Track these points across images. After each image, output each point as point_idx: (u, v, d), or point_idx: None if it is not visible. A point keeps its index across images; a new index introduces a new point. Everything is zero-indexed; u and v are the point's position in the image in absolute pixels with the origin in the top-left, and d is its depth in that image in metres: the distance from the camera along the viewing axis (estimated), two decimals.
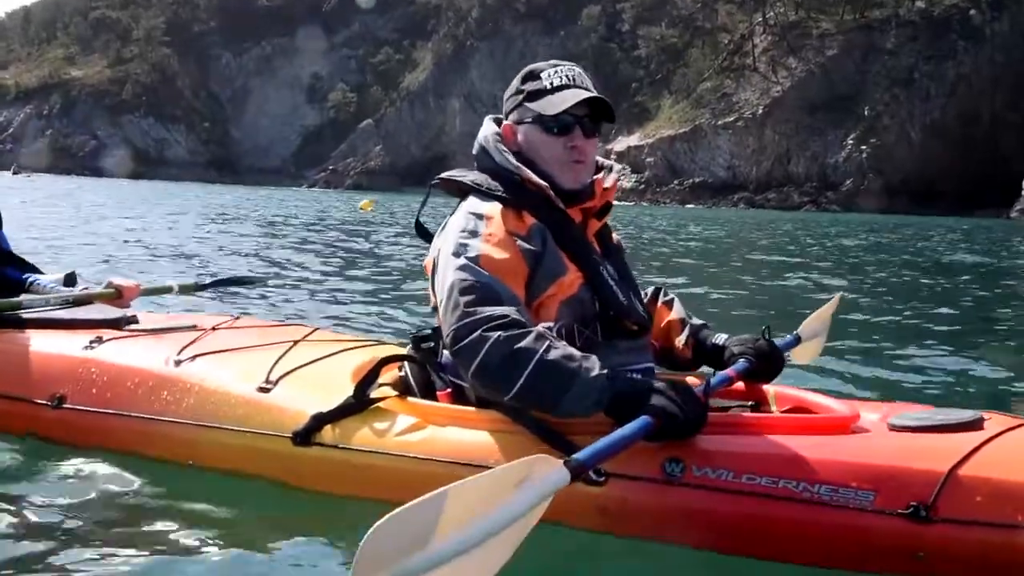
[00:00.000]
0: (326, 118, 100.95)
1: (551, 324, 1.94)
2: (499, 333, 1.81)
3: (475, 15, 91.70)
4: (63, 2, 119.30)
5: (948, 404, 2.52)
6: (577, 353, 1.83)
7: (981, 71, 62.85)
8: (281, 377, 2.25)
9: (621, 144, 66.87)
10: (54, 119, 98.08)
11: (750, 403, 2.19)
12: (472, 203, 2.03)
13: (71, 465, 2.37)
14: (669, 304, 2.33)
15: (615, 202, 2.20)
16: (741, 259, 13.40)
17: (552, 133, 2.03)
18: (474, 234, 1.96)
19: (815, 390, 2.28)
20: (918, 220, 39.23)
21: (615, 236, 2.23)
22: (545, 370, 1.78)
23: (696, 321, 2.31)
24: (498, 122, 2.15)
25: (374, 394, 2.11)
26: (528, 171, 2.03)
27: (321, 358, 2.38)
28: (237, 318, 3.02)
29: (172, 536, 2.03)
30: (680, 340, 2.26)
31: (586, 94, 2.01)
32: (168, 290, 3.65)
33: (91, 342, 2.59)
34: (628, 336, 2.04)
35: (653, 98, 73.88)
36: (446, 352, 2.08)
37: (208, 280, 3.94)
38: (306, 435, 2.08)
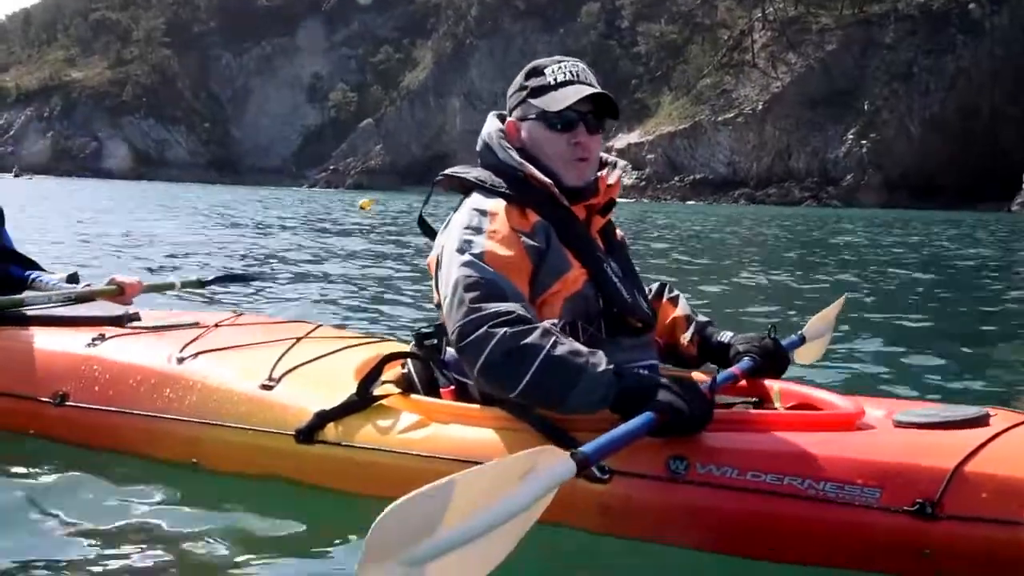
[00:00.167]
0: (327, 118, 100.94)
1: (555, 321, 1.94)
2: (505, 329, 1.80)
3: (474, 13, 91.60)
4: (63, 4, 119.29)
5: (953, 400, 2.52)
6: (584, 349, 1.82)
7: (980, 65, 62.76)
8: (284, 374, 2.25)
9: (621, 141, 66.80)
10: (55, 121, 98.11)
11: (754, 400, 2.18)
12: (476, 200, 2.03)
13: (73, 463, 2.37)
14: (674, 301, 2.32)
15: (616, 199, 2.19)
16: (742, 256, 13.39)
17: (556, 129, 2.02)
18: (478, 231, 1.95)
19: (819, 386, 2.27)
20: (919, 215, 39.20)
21: (619, 232, 2.23)
22: (552, 366, 1.77)
23: (701, 318, 2.30)
24: (502, 118, 2.14)
25: (377, 391, 2.10)
26: (532, 168, 2.02)
27: (324, 355, 2.37)
28: (239, 315, 3.02)
29: (174, 534, 2.02)
30: (685, 337, 2.26)
31: (590, 90, 2.01)
32: (170, 287, 3.65)
33: (93, 339, 2.58)
34: (632, 333, 2.04)
35: (653, 95, 73.82)
36: (450, 349, 2.08)
37: (210, 277, 3.94)
38: (309, 433, 2.08)
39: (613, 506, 1.79)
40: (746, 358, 2.12)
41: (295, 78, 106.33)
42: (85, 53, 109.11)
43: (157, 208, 23.94)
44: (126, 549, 1.95)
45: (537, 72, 2.07)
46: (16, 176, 60.61)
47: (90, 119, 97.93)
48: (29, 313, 2.89)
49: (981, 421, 1.80)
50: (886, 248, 16.06)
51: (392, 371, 2.21)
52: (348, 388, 2.12)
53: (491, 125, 2.13)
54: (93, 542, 1.98)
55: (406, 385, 2.16)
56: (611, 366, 1.80)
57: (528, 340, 1.79)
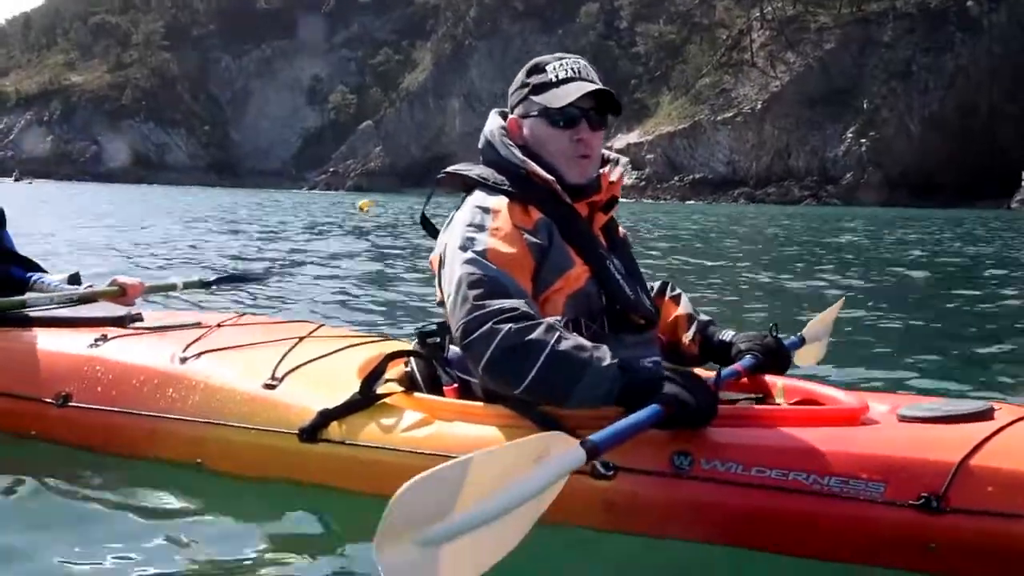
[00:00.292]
0: (326, 120, 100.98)
1: (558, 318, 1.93)
2: (509, 325, 1.80)
3: (473, 14, 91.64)
4: (63, 8, 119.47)
5: (957, 396, 2.52)
6: (588, 343, 1.82)
7: (979, 63, 62.77)
8: (287, 374, 2.25)
9: (621, 141, 66.79)
10: (55, 125, 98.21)
11: (757, 396, 2.18)
12: (478, 197, 2.02)
13: (76, 464, 2.37)
14: (676, 299, 2.32)
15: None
16: (742, 256, 13.38)
17: (558, 126, 2.02)
18: (481, 228, 1.95)
19: (823, 382, 2.27)
20: (918, 213, 39.20)
21: (621, 230, 2.22)
22: (556, 360, 1.77)
23: (703, 317, 2.30)
24: (504, 116, 2.13)
25: (380, 390, 2.10)
26: (534, 165, 2.02)
27: (326, 354, 2.37)
28: (242, 315, 3.02)
29: (178, 534, 2.02)
30: (687, 336, 2.26)
31: (592, 86, 2.00)
32: (172, 288, 3.65)
33: (96, 340, 2.58)
34: (635, 330, 2.03)
35: (652, 95, 73.84)
36: (452, 347, 2.08)
37: (212, 278, 3.94)
38: (312, 431, 2.08)
39: (618, 502, 1.79)
40: (748, 356, 2.12)
41: (294, 80, 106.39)
42: (85, 57, 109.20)
43: (158, 211, 23.94)
44: (130, 549, 1.95)
45: (539, 69, 2.06)
46: (16, 180, 60.60)
47: (90, 123, 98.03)
48: (31, 314, 2.89)
49: (986, 415, 1.79)
50: (887, 246, 16.06)
51: (395, 370, 2.21)
52: (351, 387, 2.12)
53: (493, 122, 2.12)
54: (96, 542, 1.98)
55: (409, 383, 2.16)
56: (616, 360, 1.80)
57: (532, 336, 1.78)
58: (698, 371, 2.11)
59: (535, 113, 2.04)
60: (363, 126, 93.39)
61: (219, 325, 2.74)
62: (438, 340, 2.15)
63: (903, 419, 1.83)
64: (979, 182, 54.57)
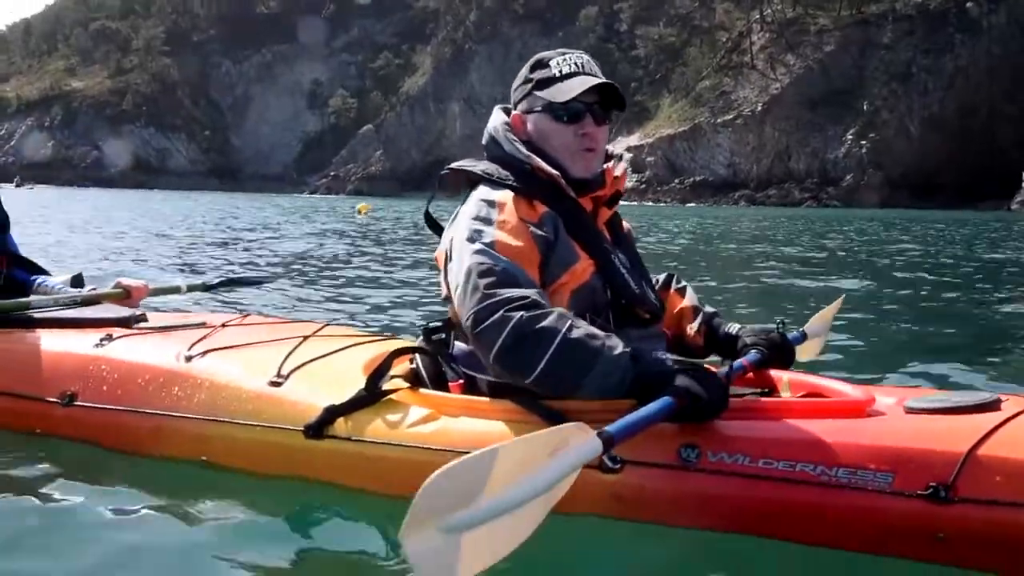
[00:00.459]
0: (327, 124, 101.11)
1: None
2: (521, 313, 1.79)
3: (473, 18, 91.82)
4: (63, 14, 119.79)
5: (963, 389, 2.51)
6: (600, 332, 1.82)
7: (978, 64, 62.84)
8: (292, 371, 2.24)
9: (621, 144, 66.72)
10: (55, 130, 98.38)
11: (763, 390, 2.18)
12: (483, 191, 2.02)
13: (82, 462, 2.37)
14: (681, 291, 2.32)
15: None
16: (742, 257, 13.38)
17: (562, 121, 2.02)
18: (487, 221, 1.94)
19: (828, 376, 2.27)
20: (920, 214, 39.19)
21: (625, 224, 2.23)
22: (568, 348, 1.77)
23: (708, 309, 2.31)
24: (507, 112, 2.14)
25: (386, 386, 2.10)
26: (538, 159, 2.02)
27: (332, 352, 2.37)
28: (247, 315, 3.02)
29: (184, 531, 2.02)
30: (692, 327, 2.26)
31: (596, 80, 2.01)
32: (176, 290, 3.65)
33: (101, 340, 2.58)
34: (640, 324, 2.03)
35: (652, 97, 73.92)
36: (458, 343, 2.08)
37: (216, 281, 3.94)
38: (318, 428, 2.07)
39: (625, 496, 1.78)
40: (753, 350, 2.12)
41: (295, 85, 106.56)
42: (85, 63, 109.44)
43: (159, 215, 23.96)
44: (136, 547, 1.94)
45: (542, 64, 2.06)
46: (17, 186, 60.63)
47: (91, 128, 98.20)
48: (36, 315, 2.89)
49: (993, 406, 1.79)
50: (888, 247, 16.05)
51: (400, 366, 2.21)
52: (357, 384, 2.12)
53: (496, 118, 2.12)
54: (102, 539, 1.98)
55: (414, 380, 2.15)
56: (628, 349, 1.80)
57: (544, 324, 1.78)
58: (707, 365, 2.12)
59: (539, 108, 2.05)
60: (363, 130, 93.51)
61: (224, 325, 2.74)
62: (443, 336, 2.15)
63: (910, 411, 1.82)
64: (979, 183, 54.61)
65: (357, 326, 4.63)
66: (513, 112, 2.11)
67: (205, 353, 2.41)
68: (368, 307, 6.25)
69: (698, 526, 1.76)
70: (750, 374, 2.15)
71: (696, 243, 16.79)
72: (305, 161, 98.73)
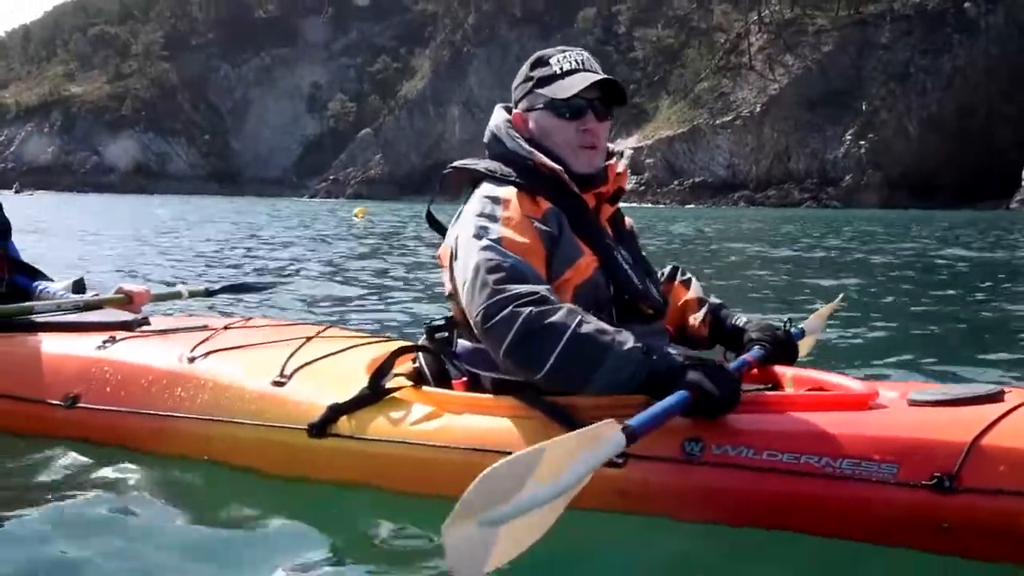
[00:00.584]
0: (326, 127, 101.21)
1: None
2: (531, 308, 1.80)
3: (471, 21, 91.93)
4: (62, 20, 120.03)
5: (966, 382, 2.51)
6: (609, 327, 1.82)
7: (976, 64, 62.90)
8: (295, 371, 2.25)
9: (620, 146, 66.08)
10: (55, 136, 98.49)
11: (767, 386, 2.18)
12: (487, 188, 2.02)
13: (86, 464, 2.37)
14: (687, 283, 2.33)
15: None
16: (742, 257, 13.38)
17: (564, 117, 2.03)
18: (492, 218, 1.95)
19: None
20: (919, 214, 39.21)
21: (628, 221, 2.23)
22: (578, 343, 1.77)
23: (715, 300, 2.31)
24: (508, 110, 2.14)
25: (389, 384, 2.10)
26: (541, 155, 2.02)
27: (335, 352, 2.37)
28: (249, 318, 3.03)
29: (188, 531, 2.02)
30: (696, 317, 2.26)
31: (597, 76, 2.01)
32: (177, 295, 3.65)
33: (104, 342, 2.59)
34: (643, 320, 2.03)
35: (651, 99, 73.96)
36: (461, 341, 2.08)
37: (217, 286, 3.95)
38: (322, 427, 2.07)
39: (630, 490, 1.79)
40: (757, 347, 2.12)
41: (294, 88, 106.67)
42: (84, 68, 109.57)
43: (159, 219, 23.99)
44: (141, 547, 1.94)
45: (543, 62, 2.07)
46: (17, 192, 60.52)
47: (90, 133, 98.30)
48: (38, 320, 2.90)
49: (996, 397, 1.80)
50: (889, 246, 16.06)
51: (403, 365, 2.21)
52: (360, 382, 2.12)
53: (498, 116, 2.13)
54: (105, 539, 1.98)
55: (417, 378, 2.15)
56: (639, 344, 1.80)
57: (554, 319, 1.78)
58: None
59: (541, 105, 2.05)
60: (362, 134, 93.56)
61: (226, 327, 2.75)
62: (446, 334, 2.15)
63: (913, 403, 1.83)
64: (978, 183, 54.65)
65: (360, 328, 4.64)
66: (514, 111, 2.12)
67: (208, 354, 2.42)
68: (369, 310, 6.26)
69: (703, 519, 1.76)
70: (755, 370, 2.15)
71: (696, 244, 16.80)
72: (305, 165, 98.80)
